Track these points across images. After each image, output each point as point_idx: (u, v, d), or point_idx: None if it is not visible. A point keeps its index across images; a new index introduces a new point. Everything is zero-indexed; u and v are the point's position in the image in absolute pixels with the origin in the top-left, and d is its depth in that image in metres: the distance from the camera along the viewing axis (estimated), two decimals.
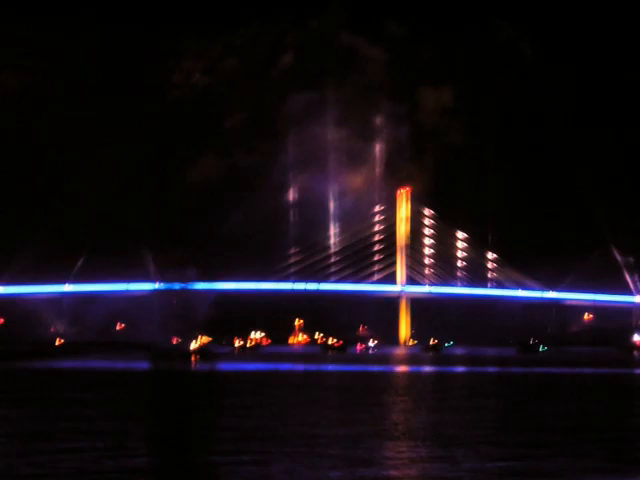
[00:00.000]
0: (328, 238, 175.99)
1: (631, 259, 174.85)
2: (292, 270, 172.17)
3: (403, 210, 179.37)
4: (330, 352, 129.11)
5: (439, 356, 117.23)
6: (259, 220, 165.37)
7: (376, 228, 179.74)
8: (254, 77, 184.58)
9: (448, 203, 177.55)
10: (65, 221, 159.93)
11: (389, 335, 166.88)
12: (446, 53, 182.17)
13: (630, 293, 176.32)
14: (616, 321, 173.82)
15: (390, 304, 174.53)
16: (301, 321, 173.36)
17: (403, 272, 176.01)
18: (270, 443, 26.26)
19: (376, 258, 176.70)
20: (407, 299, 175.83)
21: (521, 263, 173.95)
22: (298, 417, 33.73)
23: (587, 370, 79.20)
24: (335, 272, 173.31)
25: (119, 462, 22.65)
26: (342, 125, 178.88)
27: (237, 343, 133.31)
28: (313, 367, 78.27)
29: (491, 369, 79.22)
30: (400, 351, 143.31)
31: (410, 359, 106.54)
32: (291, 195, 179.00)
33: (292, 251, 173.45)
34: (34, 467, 21.97)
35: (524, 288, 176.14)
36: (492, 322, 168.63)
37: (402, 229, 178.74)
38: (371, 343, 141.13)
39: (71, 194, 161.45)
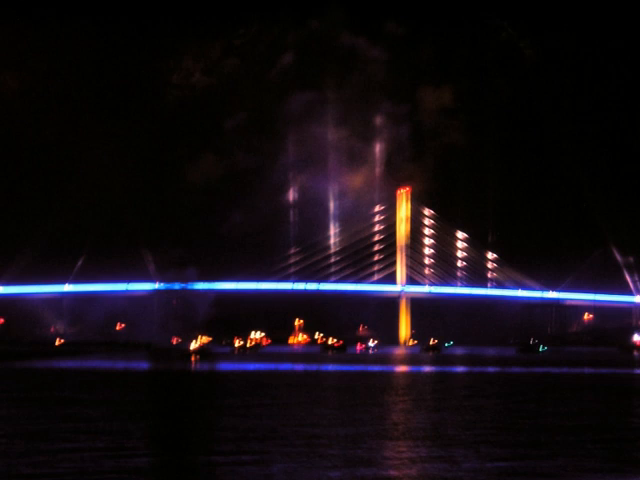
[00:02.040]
0: (328, 238, 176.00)
1: (631, 259, 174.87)
2: (292, 270, 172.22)
3: (403, 210, 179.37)
4: (330, 352, 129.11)
5: (439, 356, 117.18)
6: (259, 220, 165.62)
7: (376, 228, 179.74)
8: (254, 77, 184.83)
9: (448, 203, 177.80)
10: (65, 221, 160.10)
11: (389, 335, 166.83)
12: (446, 53, 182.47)
13: (630, 293, 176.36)
14: (616, 321, 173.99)
15: (390, 304, 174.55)
16: (301, 321, 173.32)
17: (403, 272, 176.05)
18: (270, 443, 26.23)
19: (376, 258, 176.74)
20: (407, 299, 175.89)
21: (521, 263, 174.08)
22: (298, 417, 33.71)
23: (587, 370, 79.19)
24: (335, 272, 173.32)
25: (119, 462, 22.64)
26: (342, 125, 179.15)
27: (237, 343, 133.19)
28: (313, 367, 78.20)
29: (491, 369, 79.19)
30: (400, 351, 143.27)
31: (410, 359, 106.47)
32: (291, 195, 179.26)
33: (292, 251, 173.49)
34: (34, 467, 21.96)
35: (524, 288, 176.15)
36: (492, 322, 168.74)
37: (402, 229, 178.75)
38: (371, 343, 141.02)
39: (71, 194, 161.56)
